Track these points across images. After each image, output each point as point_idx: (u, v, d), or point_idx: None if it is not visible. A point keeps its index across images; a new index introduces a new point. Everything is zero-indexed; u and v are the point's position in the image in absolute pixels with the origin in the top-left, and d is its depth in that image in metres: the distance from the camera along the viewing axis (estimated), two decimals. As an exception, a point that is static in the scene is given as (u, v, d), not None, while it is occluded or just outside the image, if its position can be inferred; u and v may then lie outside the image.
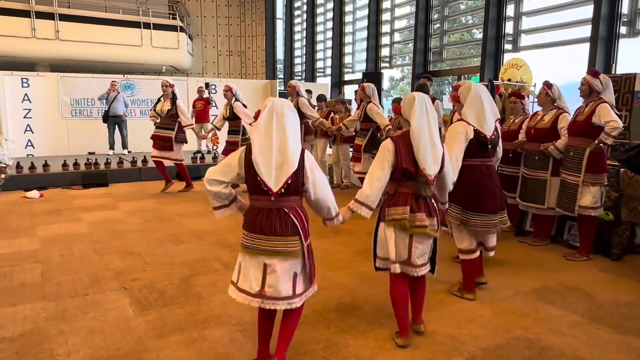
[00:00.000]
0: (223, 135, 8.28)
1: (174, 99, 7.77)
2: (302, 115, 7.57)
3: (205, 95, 11.57)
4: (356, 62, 14.78)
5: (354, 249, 4.81)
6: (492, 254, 3.68)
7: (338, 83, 15.01)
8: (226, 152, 7.84)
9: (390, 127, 6.59)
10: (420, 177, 2.77)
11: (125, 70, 16.41)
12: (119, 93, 11.07)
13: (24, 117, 11.18)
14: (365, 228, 5.53)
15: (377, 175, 2.78)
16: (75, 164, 8.81)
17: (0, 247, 4.88)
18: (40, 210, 6.61)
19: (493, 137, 3.44)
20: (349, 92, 14.65)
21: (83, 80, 11.83)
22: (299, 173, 2.37)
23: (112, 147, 11.16)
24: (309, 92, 9.23)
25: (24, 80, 11.16)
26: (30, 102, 11.23)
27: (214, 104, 12.19)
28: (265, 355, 2.63)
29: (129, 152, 11.30)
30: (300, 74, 18.07)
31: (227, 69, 19.77)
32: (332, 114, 8.70)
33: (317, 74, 16.71)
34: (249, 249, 2.43)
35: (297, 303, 2.48)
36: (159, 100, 7.94)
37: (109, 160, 9.24)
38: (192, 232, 5.52)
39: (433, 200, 2.89)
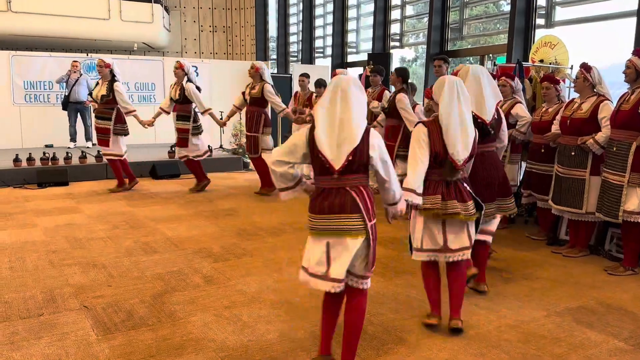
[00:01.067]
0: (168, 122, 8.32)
1: (112, 81, 7.65)
2: (264, 103, 7.68)
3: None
4: (361, 40, 14.74)
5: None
6: (489, 238, 3.97)
7: (340, 65, 14.95)
8: (179, 142, 7.84)
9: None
10: (448, 161, 3.23)
11: (90, 48, 16.34)
12: (81, 75, 11.06)
13: (-30, 103, 11.15)
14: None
15: (419, 158, 3.23)
16: (30, 159, 8.80)
17: (-60, 257, 4.85)
18: (-13, 213, 6.60)
19: (492, 121, 3.73)
20: (353, 76, 14.65)
21: (39, 60, 11.79)
22: (363, 150, 2.67)
23: (73, 139, 11.13)
24: (306, 76, 9.20)
25: (-30, 60, 11.16)
26: (-23, 85, 11.20)
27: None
28: (328, 350, 2.90)
29: (93, 144, 11.26)
30: (296, 54, 18.02)
31: (211, 47, 19.73)
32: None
33: (316, 55, 16.66)
34: (312, 231, 2.75)
35: (366, 284, 2.81)
36: (97, 82, 7.86)
37: (70, 155, 9.20)
38: (167, 239, 5.51)
39: (465, 184, 3.35)
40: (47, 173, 8.56)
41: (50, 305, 3.79)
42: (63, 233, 5.71)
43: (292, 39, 18.30)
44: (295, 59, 17.99)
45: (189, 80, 7.71)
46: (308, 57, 16.49)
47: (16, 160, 8.69)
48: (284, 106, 7.77)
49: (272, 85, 7.71)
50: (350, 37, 15.02)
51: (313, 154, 2.72)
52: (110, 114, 7.65)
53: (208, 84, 12.94)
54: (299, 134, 2.79)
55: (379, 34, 13.09)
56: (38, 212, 6.66)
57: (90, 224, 6.11)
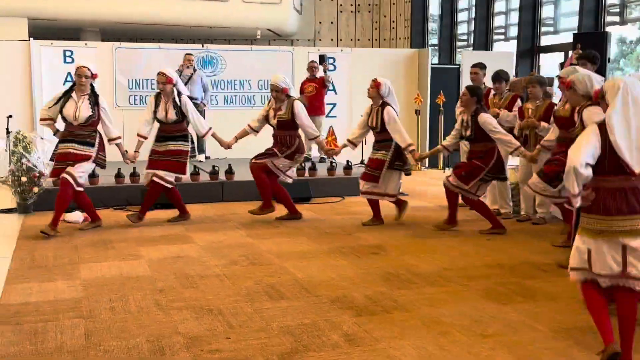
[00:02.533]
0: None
1: (94, 96, 7.58)
2: (295, 126, 7.97)
3: (320, 73, 11.75)
4: (561, 15, 14.27)
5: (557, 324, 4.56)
6: None
7: (529, 51, 14.57)
8: (175, 166, 7.96)
9: (413, 147, 7.65)
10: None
11: (204, 38, 17.30)
12: (195, 71, 11.70)
13: (66, 105, 12.30)
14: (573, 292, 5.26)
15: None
16: (134, 174, 9.28)
17: (31, 292, 5.37)
18: (84, 240, 7.20)
19: None
20: (550, 65, 14.15)
21: (146, 53, 12.68)
22: None
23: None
24: (480, 66, 9.01)
25: (67, 54, 12.28)
26: (75, 84, 12.34)
27: (331, 87, 12.38)
28: (611, 337, 3.66)
29: (207, 158, 11.85)
30: (465, 37, 17.86)
31: (352, 32, 20.12)
32: (518, 102, 8.44)
33: (495, 38, 16.38)
34: (603, 233, 3.68)
35: None
36: (68, 95, 7.54)
37: (180, 170, 9.74)
38: (297, 282, 5.66)
39: None
40: (153, 192, 9.05)
41: (157, 358, 4.03)
42: (171, 268, 6.08)
43: (462, 16, 18.16)
44: (464, 44, 17.83)
45: (180, 93, 7.96)
46: (483, 40, 16.23)
47: (118, 175, 9.25)
48: (318, 133, 8.16)
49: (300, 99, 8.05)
50: (546, 12, 14.56)
51: (603, 155, 3.63)
52: (93, 139, 7.60)
53: (347, 79, 13.13)
54: (590, 136, 3.69)
55: (589, 6, 12.59)
56: (142, 241, 7.16)
57: (204, 258, 6.45)
